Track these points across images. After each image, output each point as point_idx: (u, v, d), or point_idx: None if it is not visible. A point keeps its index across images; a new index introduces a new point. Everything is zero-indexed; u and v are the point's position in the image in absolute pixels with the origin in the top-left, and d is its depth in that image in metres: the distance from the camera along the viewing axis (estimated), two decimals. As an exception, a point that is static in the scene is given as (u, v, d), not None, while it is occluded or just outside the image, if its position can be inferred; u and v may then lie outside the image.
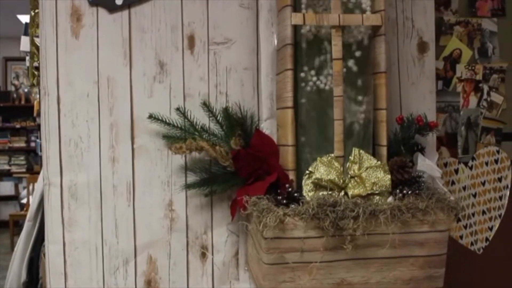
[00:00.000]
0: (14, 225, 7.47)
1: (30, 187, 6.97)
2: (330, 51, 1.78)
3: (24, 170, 8.68)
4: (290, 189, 1.73)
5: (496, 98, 2.69)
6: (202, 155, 1.90)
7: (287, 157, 1.79)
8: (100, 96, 1.92)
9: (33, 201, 3.15)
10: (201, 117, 1.92)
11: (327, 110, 1.80)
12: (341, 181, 1.76)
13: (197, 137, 1.87)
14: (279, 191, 1.74)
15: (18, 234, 3.52)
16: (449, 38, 2.64)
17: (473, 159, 2.66)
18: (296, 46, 1.80)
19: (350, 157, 1.79)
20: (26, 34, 4.13)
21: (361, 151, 1.80)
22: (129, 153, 1.93)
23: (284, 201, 1.70)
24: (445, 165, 2.61)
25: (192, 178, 1.92)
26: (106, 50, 1.92)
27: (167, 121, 1.89)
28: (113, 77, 1.92)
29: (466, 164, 2.66)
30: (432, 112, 2.06)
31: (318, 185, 1.76)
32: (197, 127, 1.90)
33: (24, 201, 7.69)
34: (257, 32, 1.97)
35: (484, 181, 2.64)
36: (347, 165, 1.79)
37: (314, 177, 1.75)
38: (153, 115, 1.88)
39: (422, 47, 2.07)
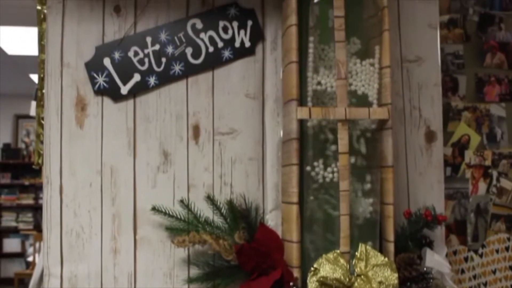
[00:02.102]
0: (19, 284, 7.40)
1: (37, 245, 6.94)
2: (336, 144, 1.76)
3: (31, 227, 8.65)
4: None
5: (506, 184, 2.65)
6: (206, 248, 1.86)
7: (292, 254, 1.75)
8: (103, 186, 1.90)
9: (37, 268, 3.10)
10: (205, 208, 1.89)
11: (333, 204, 1.77)
12: (347, 279, 1.71)
13: (201, 230, 1.84)
14: (283, 288, 1.71)
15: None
16: (457, 124, 2.62)
17: (483, 246, 2.60)
18: (302, 137, 1.78)
19: (356, 253, 1.75)
20: (36, 99, 4.16)
21: (367, 247, 1.76)
22: (131, 244, 1.90)
23: (288, 300, 1.66)
24: (454, 253, 2.56)
25: (195, 271, 1.87)
26: (110, 139, 1.91)
27: (170, 213, 1.86)
28: (117, 167, 1.90)
29: (476, 252, 2.60)
30: (441, 203, 2.03)
31: (323, 284, 1.71)
32: (200, 219, 1.87)
33: (30, 259, 7.64)
34: (262, 122, 1.96)
35: (495, 269, 2.58)
36: (353, 262, 1.74)
37: (319, 275, 1.71)
38: (156, 207, 1.86)
39: (429, 136, 2.05)
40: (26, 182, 8.72)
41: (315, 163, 1.78)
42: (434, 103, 2.07)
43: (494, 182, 2.64)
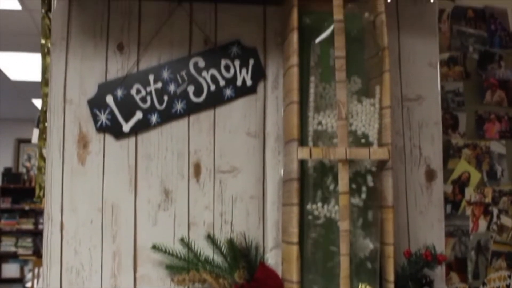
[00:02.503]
0: (17, 310, 7.35)
1: (36, 271, 6.89)
2: (336, 183, 1.76)
3: (30, 252, 8.61)
4: (294, 329, 1.68)
5: (506, 221, 2.64)
6: (206, 287, 1.85)
7: (292, 294, 1.74)
8: (103, 223, 1.90)
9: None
10: (205, 247, 1.90)
11: (333, 244, 1.77)
12: (347, 320, 1.70)
13: (201, 269, 1.84)
14: (283, 329, 1.70)
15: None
16: (458, 161, 2.62)
17: (483, 284, 2.59)
18: (303, 176, 1.79)
19: (356, 294, 1.74)
20: (38, 126, 4.17)
21: (367, 287, 1.75)
22: (131, 282, 1.89)
23: None
24: (455, 291, 2.56)
25: (194, 310, 1.87)
26: (111, 176, 1.91)
27: (171, 251, 1.86)
28: (118, 204, 1.91)
29: (477, 290, 2.60)
30: (441, 242, 2.02)
31: (323, 324, 1.71)
32: (201, 258, 1.87)
33: (28, 284, 7.59)
34: (263, 160, 1.96)
35: (496, 308, 2.57)
36: (354, 302, 1.74)
37: (319, 316, 1.70)
38: (157, 246, 1.86)
39: (430, 175, 2.06)
40: (26, 207, 8.71)
41: (316, 203, 1.78)
42: (434, 141, 2.07)
43: (495, 219, 2.64)
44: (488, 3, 2.75)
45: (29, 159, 9.11)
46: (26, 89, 6.98)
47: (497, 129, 2.69)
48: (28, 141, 8.53)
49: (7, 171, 8.91)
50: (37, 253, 8.39)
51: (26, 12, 4.35)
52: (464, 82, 2.69)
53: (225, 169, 1.95)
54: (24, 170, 9.05)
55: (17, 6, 4.23)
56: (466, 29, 2.71)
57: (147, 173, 1.93)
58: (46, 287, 1.88)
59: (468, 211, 2.62)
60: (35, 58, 5.35)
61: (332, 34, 1.78)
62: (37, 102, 7.43)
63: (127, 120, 1.91)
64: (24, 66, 6.07)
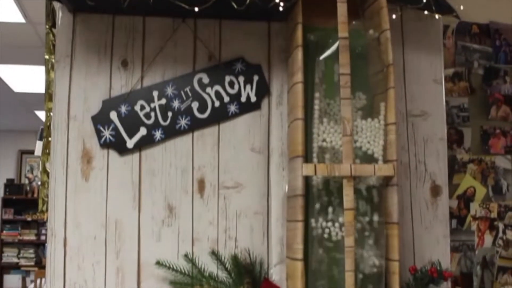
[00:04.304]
0: (19, 321, 7.32)
1: (38, 282, 6.87)
2: (341, 200, 1.75)
3: (32, 263, 8.58)
4: None
5: (512, 236, 2.64)
6: (210, 303, 1.85)
7: (297, 311, 1.73)
8: (107, 239, 1.89)
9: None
10: (209, 263, 1.89)
11: (338, 260, 1.76)
12: (352, 339, 1.69)
13: (205, 285, 1.83)
14: None
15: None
16: (463, 176, 2.62)
17: (489, 299, 2.59)
18: (307, 193, 1.78)
19: (361, 311, 1.73)
20: (41, 139, 4.16)
21: (373, 304, 1.74)
22: (135, 298, 1.88)
23: None
24: (461, 306, 2.54)
25: (198, 327, 1.86)
26: (115, 192, 1.91)
27: (175, 267, 1.86)
28: (121, 220, 1.90)
29: (482, 305, 2.58)
30: (446, 257, 2.01)
31: None
32: (205, 274, 1.86)
33: (31, 295, 7.56)
34: (268, 176, 1.96)
35: (502, 324, 2.55)
36: (359, 319, 1.73)
37: (324, 334, 1.69)
38: (161, 262, 1.85)
39: (435, 190, 2.05)
40: (29, 218, 8.68)
41: (320, 219, 1.77)
42: (439, 157, 2.07)
43: (500, 234, 2.62)
44: (493, 18, 2.75)
45: (31, 170, 9.09)
46: (29, 100, 6.98)
47: (502, 144, 2.68)
48: (31, 152, 8.53)
49: (9, 182, 8.88)
50: (39, 264, 8.37)
51: (29, 25, 4.35)
52: (469, 98, 2.69)
53: (229, 185, 1.95)
54: (26, 181, 9.03)
55: (21, 19, 4.24)
56: (471, 44, 2.71)
57: (151, 189, 1.92)
58: (50, 303, 1.87)
59: (474, 226, 2.60)
60: (39, 70, 5.36)
61: (337, 50, 1.78)
62: (40, 114, 7.43)
63: (131, 136, 1.91)
64: (27, 78, 6.07)
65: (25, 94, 6.72)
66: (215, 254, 1.88)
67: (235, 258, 1.85)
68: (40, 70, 2.38)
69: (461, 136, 2.63)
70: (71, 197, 1.90)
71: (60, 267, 1.88)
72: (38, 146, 4.35)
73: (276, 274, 1.91)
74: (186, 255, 1.88)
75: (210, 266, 1.88)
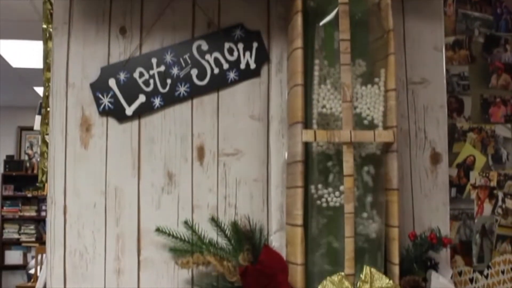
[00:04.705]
0: (21, 296, 7.36)
1: (39, 257, 6.90)
2: (341, 166, 1.75)
3: (33, 239, 8.62)
4: (299, 311, 1.68)
5: (511, 205, 2.64)
6: (210, 269, 1.85)
7: (296, 276, 1.74)
8: (107, 206, 1.90)
9: (39, 283, 3.08)
10: (209, 230, 1.89)
11: (338, 226, 1.76)
12: (352, 303, 1.70)
13: (205, 251, 1.83)
14: (287, 312, 1.70)
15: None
16: (462, 144, 2.61)
17: (488, 267, 2.59)
18: (307, 159, 1.78)
19: (361, 276, 1.74)
20: (40, 113, 4.15)
21: (372, 269, 1.75)
22: (135, 265, 1.89)
23: (293, 324, 1.66)
24: (460, 274, 2.54)
25: (198, 292, 1.87)
26: (114, 160, 1.91)
27: (175, 234, 1.86)
28: (121, 188, 1.90)
29: (481, 273, 2.59)
30: (446, 225, 2.02)
31: (327, 307, 1.70)
32: (204, 240, 1.86)
33: (32, 271, 7.59)
34: (267, 143, 1.95)
35: (501, 291, 2.57)
36: (358, 284, 1.73)
37: (324, 298, 1.70)
38: (160, 229, 1.85)
39: (435, 158, 2.05)
40: (29, 194, 8.70)
41: (320, 186, 1.77)
42: (439, 124, 2.06)
43: (500, 203, 2.63)
44: (493, -14, 2.74)
45: (31, 146, 9.09)
46: (28, 76, 6.95)
47: (502, 113, 2.67)
48: (30, 128, 8.53)
49: (9, 159, 8.89)
50: (40, 239, 8.40)
51: (27, -2, 4.33)
52: (470, 66, 2.68)
53: (229, 152, 1.95)
54: (26, 158, 9.03)
55: (19, -8, 4.22)
56: (471, 12, 2.69)
57: (151, 157, 1.92)
58: (50, 269, 1.88)
59: (473, 195, 2.61)
60: (37, 45, 5.33)
61: (337, 16, 1.77)
62: (39, 90, 7.40)
63: (130, 103, 1.90)
64: (25, 53, 6.04)
65: (24, 70, 6.69)
66: (215, 221, 1.88)
67: (235, 225, 1.86)
68: (39, 45, 2.36)
69: (461, 105, 2.63)
70: (70, 165, 1.90)
71: (60, 234, 1.88)
72: (37, 121, 4.34)
73: (276, 241, 1.91)
74: (186, 222, 1.89)
75: (210, 233, 1.89)
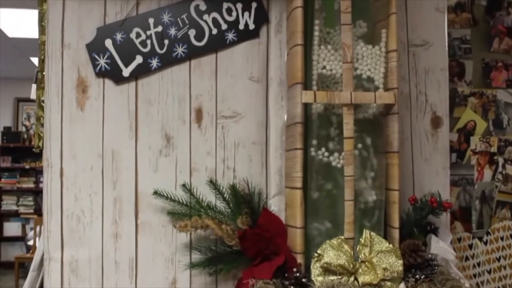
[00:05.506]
0: (20, 267, 7.37)
1: (37, 229, 6.91)
2: (341, 128, 1.73)
3: (32, 211, 8.62)
4: (297, 274, 1.66)
5: (512, 171, 2.63)
6: (208, 233, 1.84)
7: (295, 240, 1.72)
8: (104, 169, 1.87)
9: (38, 251, 3.08)
10: (207, 193, 1.87)
11: (337, 189, 1.74)
12: (351, 266, 1.69)
13: (203, 215, 1.81)
14: (286, 274, 1.68)
15: (24, 277, 3.44)
16: (463, 109, 2.59)
17: (487, 233, 2.58)
18: (306, 122, 1.76)
19: (360, 240, 1.73)
20: (36, 81, 4.11)
21: (372, 233, 1.73)
22: (133, 229, 1.87)
23: (292, 287, 1.65)
24: (459, 240, 2.54)
25: (197, 256, 1.86)
26: (111, 122, 1.88)
27: (172, 197, 1.84)
28: (118, 151, 1.88)
29: (480, 239, 2.58)
30: (446, 189, 2.00)
31: (327, 270, 1.69)
32: (203, 204, 1.85)
33: (30, 242, 7.61)
34: (266, 106, 1.93)
35: (500, 257, 2.55)
36: (358, 248, 1.72)
37: (323, 261, 1.68)
38: (158, 192, 1.83)
39: (435, 122, 2.02)
40: (27, 166, 8.68)
41: (320, 148, 1.75)
42: (440, 88, 2.04)
43: (500, 169, 2.61)
44: None
45: (28, 118, 9.04)
46: (25, 46, 6.89)
47: (504, 78, 2.64)
48: (28, 100, 8.49)
49: (6, 130, 8.86)
50: (38, 211, 8.40)
51: (22, -36, 4.27)
52: (472, 29, 2.64)
53: (227, 114, 1.92)
54: (23, 129, 9.00)
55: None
56: (474, -26, 2.65)
57: (148, 119, 1.89)
58: (47, 234, 1.86)
59: (473, 160, 2.59)
60: (33, 14, 5.28)
61: (338, -25, 1.73)
62: (36, 60, 7.35)
63: (127, 64, 1.87)
64: (22, 23, 5.97)
65: (20, 40, 6.62)
66: (213, 184, 1.86)
67: (233, 188, 1.84)
68: (35, 14, 2.32)
69: (463, 69, 2.59)
70: (66, 127, 1.87)
71: (57, 197, 1.86)
72: (34, 89, 4.30)
73: (274, 205, 1.89)
74: (184, 185, 1.87)
75: (208, 196, 1.87)
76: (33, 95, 4.28)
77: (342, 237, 1.71)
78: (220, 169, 1.91)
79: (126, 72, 1.87)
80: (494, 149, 2.60)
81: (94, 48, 1.86)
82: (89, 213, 1.87)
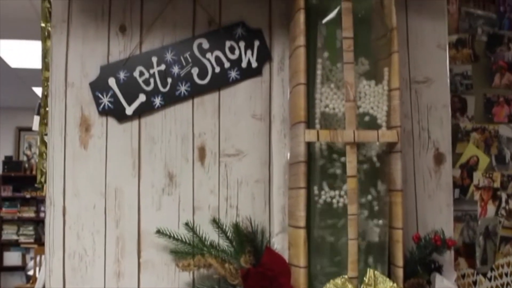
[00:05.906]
0: (19, 297, 7.34)
1: (38, 259, 6.88)
2: (344, 167, 1.72)
3: (32, 240, 8.59)
4: (301, 314, 1.65)
5: (515, 206, 2.62)
6: (211, 272, 1.82)
7: (299, 279, 1.71)
8: (107, 207, 1.87)
9: (39, 283, 3.06)
10: (210, 231, 1.86)
11: (341, 228, 1.74)
12: (356, 305, 1.67)
13: (206, 253, 1.80)
14: (290, 315, 1.67)
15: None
16: (466, 145, 2.59)
17: (492, 270, 2.57)
18: (309, 159, 1.75)
19: (364, 279, 1.71)
20: (39, 113, 4.13)
21: (376, 272, 1.72)
22: (135, 267, 1.86)
23: (296, 327, 1.63)
24: (463, 276, 2.52)
25: (200, 295, 1.84)
26: (114, 160, 1.88)
27: (175, 236, 1.83)
28: (121, 189, 1.88)
29: (484, 275, 2.56)
30: (450, 226, 2.00)
31: (331, 310, 1.67)
32: (206, 242, 1.84)
33: (30, 272, 7.57)
34: (269, 144, 1.93)
35: (504, 293, 2.55)
36: (362, 287, 1.71)
37: (327, 301, 1.67)
38: (161, 230, 1.83)
39: (438, 158, 2.02)
40: (28, 195, 8.66)
41: (323, 187, 1.75)
42: (443, 124, 2.04)
43: (503, 204, 2.60)
44: (497, -17, 2.72)
45: (29, 147, 9.06)
46: (27, 76, 6.93)
47: (505, 113, 2.65)
48: (29, 129, 8.49)
49: (7, 159, 8.86)
50: (39, 241, 8.37)
51: (26, -3, 4.31)
52: (473, 65, 2.65)
53: (230, 152, 1.92)
54: (25, 158, 9.01)
55: (17, -8, 4.20)
56: (474, 10, 2.66)
57: (151, 157, 1.89)
58: (49, 272, 1.85)
59: (477, 196, 2.58)
60: (36, 45, 5.31)
61: (339, 14, 1.74)
62: (38, 90, 7.37)
63: (130, 103, 1.88)
64: (24, 54, 6.01)
65: (22, 70, 6.67)
66: (216, 223, 1.86)
67: (236, 227, 1.83)
68: (37, 45, 2.34)
69: (465, 104, 2.60)
70: (69, 165, 1.87)
71: (59, 236, 1.86)
72: (36, 121, 4.31)
73: (278, 243, 1.89)
74: (187, 224, 1.86)
75: (211, 235, 1.86)
76: (35, 127, 4.29)
77: (346, 276, 1.70)
78: (223, 207, 1.91)
79: (129, 110, 1.88)
80: (497, 184, 2.60)
81: (98, 86, 1.87)
82: (91, 251, 1.86)
